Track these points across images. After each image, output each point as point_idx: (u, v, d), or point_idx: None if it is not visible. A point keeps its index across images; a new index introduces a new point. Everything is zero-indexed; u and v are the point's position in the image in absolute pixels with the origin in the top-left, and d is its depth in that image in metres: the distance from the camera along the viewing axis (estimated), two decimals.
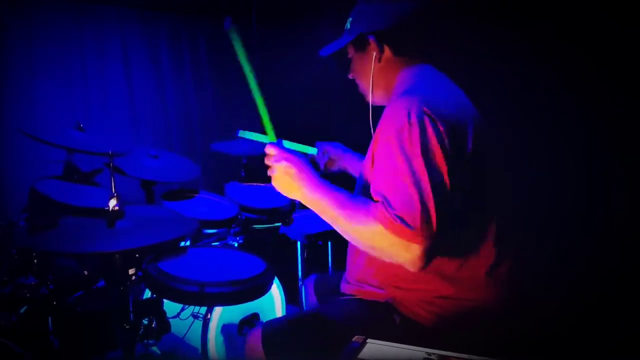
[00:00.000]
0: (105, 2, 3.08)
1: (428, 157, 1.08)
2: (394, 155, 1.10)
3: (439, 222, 1.04)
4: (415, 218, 1.04)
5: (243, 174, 2.64)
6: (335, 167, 1.74)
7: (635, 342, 1.66)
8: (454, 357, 0.89)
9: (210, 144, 2.62)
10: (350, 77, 1.43)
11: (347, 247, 1.46)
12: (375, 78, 1.33)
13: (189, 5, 3.41)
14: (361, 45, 1.34)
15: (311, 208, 1.23)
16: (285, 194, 1.25)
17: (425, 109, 1.12)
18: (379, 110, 1.29)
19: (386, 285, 1.28)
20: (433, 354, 0.91)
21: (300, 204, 2.72)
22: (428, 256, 1.06)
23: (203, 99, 3.58)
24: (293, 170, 1.22)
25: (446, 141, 1.10)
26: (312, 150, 1.48)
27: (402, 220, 1.04)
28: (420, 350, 0.92)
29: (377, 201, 1.12)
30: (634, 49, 1.77)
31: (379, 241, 1.10)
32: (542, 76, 2.01)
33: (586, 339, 1.70)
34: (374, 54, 1.31)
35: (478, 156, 1.17)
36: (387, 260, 1.14)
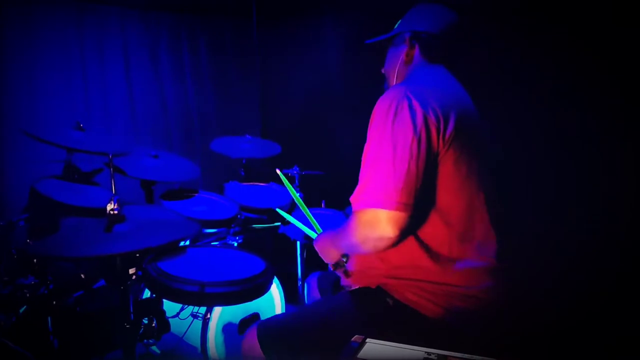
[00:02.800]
0: (105, 2, 3.08)
1: (396, 135, 1.14)
2: (370, 138, 1.19)
3: (400, 196, 1.10)
4: (389, 189, 1.11)
5: (243, 173, 2.64)
6: None
7: (636, 343, 1.66)
8: (454, 356, 0.89)
9: (210, 144, 2.62)
10: (382, 71, 1.52)
11: None
12: (398, 72, 1.43)
13: (189, 5, 3.41)
14: (397, 41, 1.44)
15: (341, 252, 1.39)
16: (333, 261, 1.43)
17: (408, 93, 1.19)
18: None
19: (381, 271, 1.29)
20: (432, 353, 0.90)
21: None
22: (396, 229, 1.11)
23: (203, 99, 3.58)
24: (319, 248, 1.44)
25: (420, 121, 1.15)
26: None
27: (361, 194, 1.15)
28: (419, 350, 0.92)
29: None
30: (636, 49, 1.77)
31: (360, 231, 1.17)
32: (542, 77, 2.01)
33: (588, 339, 1.70)
34: (405, 50, 1.41)
35: (459, 147, 1.19)
36: (372, 248, 1.19)
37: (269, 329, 1.33)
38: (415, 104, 1.17)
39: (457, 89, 1.35)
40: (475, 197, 1.24)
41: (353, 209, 1.18)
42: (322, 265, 1.61)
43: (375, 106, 1.23)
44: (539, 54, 2.01)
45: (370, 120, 1.23)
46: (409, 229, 1.14)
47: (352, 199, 1.19)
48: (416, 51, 1.40)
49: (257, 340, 1.30)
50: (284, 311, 2.14)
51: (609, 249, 1.85)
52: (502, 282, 1.23)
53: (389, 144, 1.14)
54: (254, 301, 1.68)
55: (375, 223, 1.12)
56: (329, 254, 1.42)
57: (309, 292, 1.73)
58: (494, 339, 1.17)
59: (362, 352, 0.92)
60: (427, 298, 1.21)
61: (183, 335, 1.95)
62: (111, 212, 1.37)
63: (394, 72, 1.44)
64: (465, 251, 1.21)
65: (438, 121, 1.17)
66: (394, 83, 1.44)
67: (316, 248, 1.47)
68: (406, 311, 1.22)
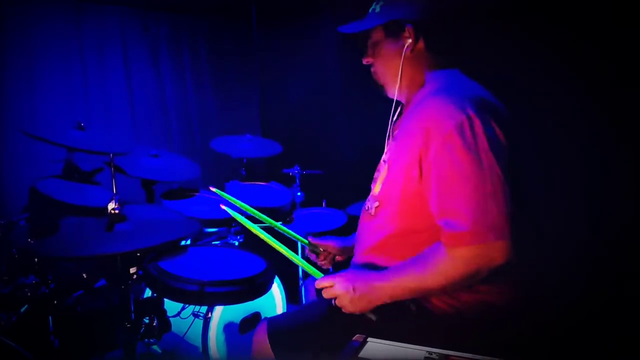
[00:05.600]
0: (105, 2, 3.08)
1: (496, 148, 1.08)
2: (459, 156, 1.08)
3: (515, 210, 1.05)
4: (494, 215, 1.04)
5: (244, 172, 2.64)
6: (335, 259, 1.61)
7: (636, 343, 1.66)
8: (455, 356, 0.89)
9: (211, 143, 2.62)
10: (366, 62, 1.36)
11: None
12: (403, 73, 1.29)
13: (189, 5, 3.41)
14: (394, 31, 1.28)
15: (398, 299, 1.18)
16: (368, 309, 1.18)
17: (473, 102, 1.12)
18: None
19: None
20: (434, 352, 0.90)
21: (300, 203, 2.72)
22: (516, 246, 1.05)
23: (203, 99, 3.58)
24: (357, 287, 1.17)
25: (502, 131, 1.11)
26: (302, 241, 1.43)
27: (480, 224, 1.05)
28: (421, 349, 0.92)
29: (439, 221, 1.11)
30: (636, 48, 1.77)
31: (468, 264, 1.07)
32: (541, 77, 2.01)
33: (588, 339, 1.70)
34: (408, 42, 1.26)
35: (512, 152, 1.15)
36: (485, 274, 1.09)
37: (280, 325, 1.28)
38: (492, 115, 1.11)
39: (490, 94, 1.27)
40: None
41: (452, 244, 1.08)
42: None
43: (438, 115, 1.12)
44: (538, 54, 2.01)
45: (433, 128, 1.12)
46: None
47: (449, 234, 1.08)
48: (421, 45, 1.26)
49: (267, 338, 1.25)
50: (285, 311, 2.14)
51: (609, 249, 1.85)
52: (523, 288, 1.22)
53: (493, 164, 1.06)
54: (255, 300, 1.68)
55: (489, 256, 1.05)
56: (369, 303, 1.16)
57: (307, 296, 1.71)
58: (501, 340, 1.16)
59: (364, 351, 0.92)
60: (453, 305, 1.18)
61: (184, 335, 1.95)
62: (112, 212, 1.37)
63: (395, 67, 1.29)
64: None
65: (506, 137, 1.13)
66: (399, 78, 1.29)
67: (346, 291, 1.16)
68: (430, 317, 1.19)
